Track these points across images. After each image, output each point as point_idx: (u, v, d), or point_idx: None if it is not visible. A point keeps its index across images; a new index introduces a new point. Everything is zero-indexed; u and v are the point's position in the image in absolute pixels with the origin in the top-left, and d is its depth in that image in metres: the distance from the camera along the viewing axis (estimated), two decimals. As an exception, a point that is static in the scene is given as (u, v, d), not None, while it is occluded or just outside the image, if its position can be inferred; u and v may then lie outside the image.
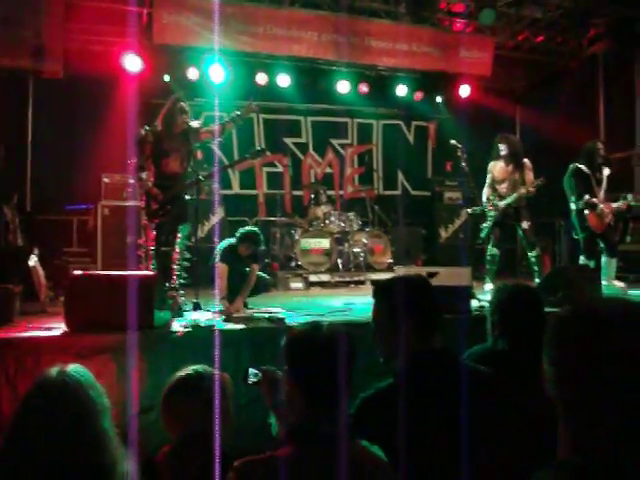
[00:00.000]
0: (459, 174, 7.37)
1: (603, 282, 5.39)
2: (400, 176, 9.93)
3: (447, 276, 4.29)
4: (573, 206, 5.76)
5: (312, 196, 8.20)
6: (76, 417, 1.45)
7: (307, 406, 1.48)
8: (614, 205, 5.71)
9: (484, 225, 5.89)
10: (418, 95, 9.26)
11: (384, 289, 1.96)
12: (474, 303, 4.51)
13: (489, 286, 5.66)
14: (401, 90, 9.03)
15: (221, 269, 4.58)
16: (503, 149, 5.81)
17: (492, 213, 5.82)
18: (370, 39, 7.82)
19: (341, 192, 9.64)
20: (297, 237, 7.41)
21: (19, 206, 6.49)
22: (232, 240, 4.76)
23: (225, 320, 4.07)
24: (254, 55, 7.81)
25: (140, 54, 7.35)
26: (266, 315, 4.29)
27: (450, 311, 3.66)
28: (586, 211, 5.64)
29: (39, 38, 6.62)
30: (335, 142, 9.66)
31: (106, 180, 7.30)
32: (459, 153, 5.76)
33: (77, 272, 3.86)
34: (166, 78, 7.78)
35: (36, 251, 5.24)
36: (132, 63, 7.37)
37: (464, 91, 8.99)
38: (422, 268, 5.98)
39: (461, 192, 8.91)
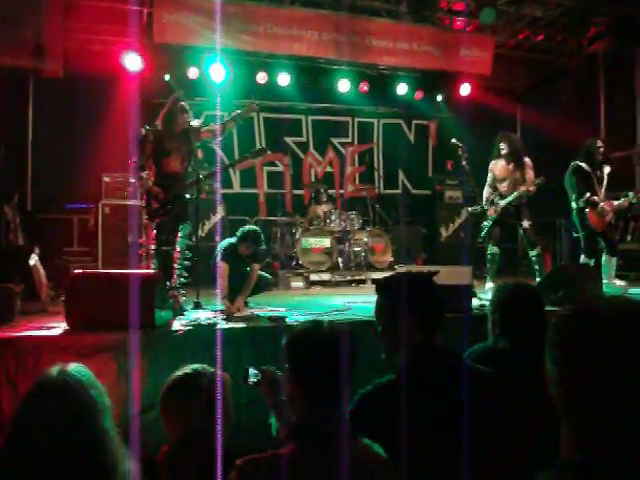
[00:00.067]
0: (460, 173, 7.35)
1: (604, 281, 5.39)
2: (401, 175, 9.92)
3: (448, 275, 4.27)
4: (574, 204, 5.75)
5: (313, 195, 8.17)
6: (77, 416, 1.45)
7: (308, 406, 1.48)
8: (615, 203, 5.69)
9: (484, 224, 5.89)
10: (419, 94, 9.26)
11: (387, 285, 1.96)
12: (475, 302, 4.52)
13: (490, 285, 5.65)
14: (402, 89, 9.03)
15: (222, 268, 4.58)
16: (504, 148, 5.80)
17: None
18: (371, 38, 7.81)
19: (342, 191, 9.64)
20: (298, 236, 7.41)
21: (20, 205, 6.49)
22: (233, 239, 4.76)
23: (226, 319, 4.06)
24: (254, 54, 7.81)
25: (140, 53, 7.35)
26: (267, 314, 4.29)
27: (451, 310, 3.65)
28: (587, 209, 5.63)
29: (39, 37, 6.61)
30: (336, 141, 9.66)
31: (106, 179, 7.28)
32: (460, 152, 5.76)
33: (78, 271, 3.85)
34: (166, 77, 7.78)
35: (37, 250, 5.24)
36: (132, 62, 7.36)
37: (464, 90, 8.98)
38: (423, 267, 5.98)
39: (462, 191, 8.89)
